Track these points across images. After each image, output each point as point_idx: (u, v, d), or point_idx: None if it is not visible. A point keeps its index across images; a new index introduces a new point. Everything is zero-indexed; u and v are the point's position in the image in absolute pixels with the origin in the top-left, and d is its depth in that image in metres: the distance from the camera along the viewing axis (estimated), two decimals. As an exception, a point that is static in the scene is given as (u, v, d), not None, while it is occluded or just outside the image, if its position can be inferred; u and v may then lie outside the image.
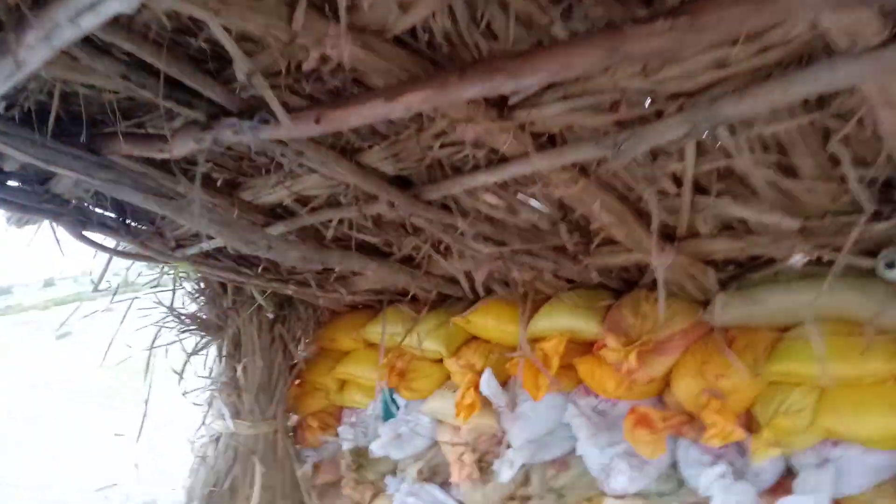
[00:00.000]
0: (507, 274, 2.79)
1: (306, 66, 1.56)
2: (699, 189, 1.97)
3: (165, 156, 2.02)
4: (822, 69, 1.28)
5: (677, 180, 1.96)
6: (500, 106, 1.76)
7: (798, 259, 2.28)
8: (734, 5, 1.13)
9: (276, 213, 2.64)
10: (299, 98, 1.84)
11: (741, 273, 2.39)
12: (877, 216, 1.82)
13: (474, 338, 3.19)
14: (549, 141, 1.85)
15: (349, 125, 1.64)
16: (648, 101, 1.59)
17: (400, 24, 1.51)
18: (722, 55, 1.40)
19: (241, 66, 1.40)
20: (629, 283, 2.75)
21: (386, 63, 1.56)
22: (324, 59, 1.57)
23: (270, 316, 3.53)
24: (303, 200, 2.53)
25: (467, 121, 1.72)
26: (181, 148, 1.95)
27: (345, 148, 2.12)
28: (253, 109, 1.74)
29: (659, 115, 1.66)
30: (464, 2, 1.48)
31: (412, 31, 1.61)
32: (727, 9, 1.14)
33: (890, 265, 2.06)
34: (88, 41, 1.75)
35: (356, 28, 1.52)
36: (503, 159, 1.93)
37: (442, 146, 1.96)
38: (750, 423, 2.39)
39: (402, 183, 2.22)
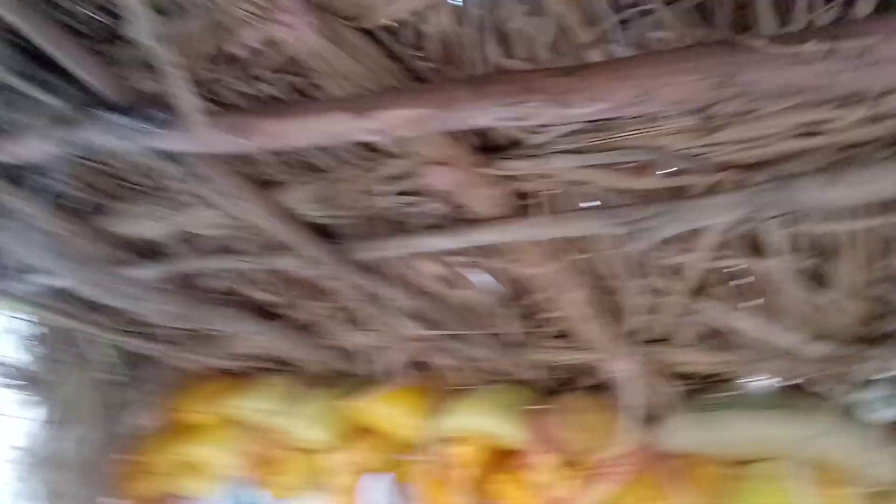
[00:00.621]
0: (423, 358, 2.32)
1: (241, 49, 1.08)
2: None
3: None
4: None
5: (673, 274, 1.60)
6: (485, 151, 1.35)
7: (767, 381, 1.99)
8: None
9: (149, 251, 2.05)
10: (215, 102, 1.35)
11: (698, 390, 2.05)
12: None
13: (367, 429, 2.66)
14: (532, 206, 1.44)
15: (291, 143, 1.16)
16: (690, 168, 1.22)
17: (385, 12, 1.08)
18: (816, 118, 1.06)
19: (144, 22, 0.91)
20: (562, 383, 2.35)
21: (358, 64, 1.11)
22: (270, 43, 1.10)
23: (115, 377, 2.84)
24: (187, 239, 1.97)
25: (445, 164, 1.29)
26: (25, 149, 1.39)
27: (262, 181, 1.61)
28: (144, 105, 1.22)
29: (676, 189, 1.31)
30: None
31: (394, 31, 1.18)
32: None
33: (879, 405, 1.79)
34: None
35: (322, 8, 1.07)
36: (471, 221, 1.50)
37: (398, 193, 1.50)
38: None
39: (325, 234, 1.73)
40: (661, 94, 0.86)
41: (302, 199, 1.60)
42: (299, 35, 1.06)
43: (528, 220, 1.40)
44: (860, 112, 1.00)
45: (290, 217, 1.65)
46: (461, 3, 1.12)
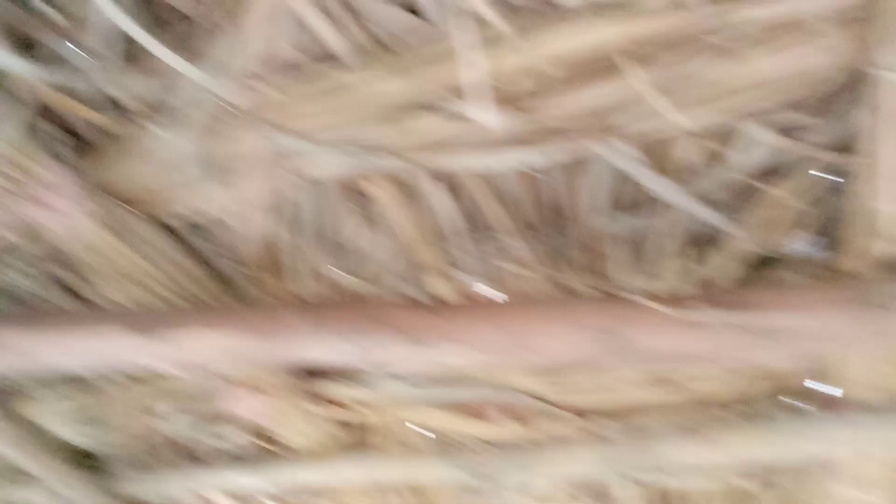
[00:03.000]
0: None
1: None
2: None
3: None
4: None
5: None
6: (306, 373, 1.11)
7: None
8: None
9: None
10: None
11: None
12: None
13: None
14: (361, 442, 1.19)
15: (45, 364, 0.85)
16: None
17: (187, 202, 0.85)
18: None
19: None
20: None
21: (150, 265, 0.86)
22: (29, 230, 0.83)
23: None
24: None
25: (255, 388, 1.03)
26: None
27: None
28: None
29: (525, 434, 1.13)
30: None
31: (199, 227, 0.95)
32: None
33: None
34: None
35: (100, 188, 0.83)
36: (285, 455, 1.21)
37: (189, 416, 1.19)
38: None
39: (86, 460, 1.34)
40: (537, 345, 0.70)
41: (50, 411, 1.23)
42: (69, 223, 0.80)
43: (354, 459, 1.15)
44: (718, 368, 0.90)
45: (36, 433, 1.26)
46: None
